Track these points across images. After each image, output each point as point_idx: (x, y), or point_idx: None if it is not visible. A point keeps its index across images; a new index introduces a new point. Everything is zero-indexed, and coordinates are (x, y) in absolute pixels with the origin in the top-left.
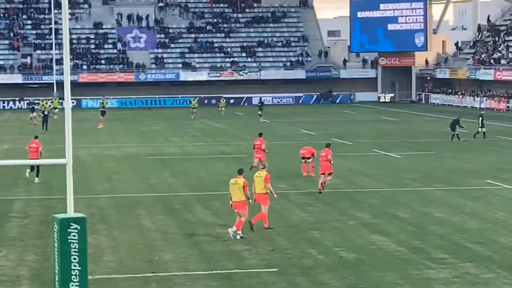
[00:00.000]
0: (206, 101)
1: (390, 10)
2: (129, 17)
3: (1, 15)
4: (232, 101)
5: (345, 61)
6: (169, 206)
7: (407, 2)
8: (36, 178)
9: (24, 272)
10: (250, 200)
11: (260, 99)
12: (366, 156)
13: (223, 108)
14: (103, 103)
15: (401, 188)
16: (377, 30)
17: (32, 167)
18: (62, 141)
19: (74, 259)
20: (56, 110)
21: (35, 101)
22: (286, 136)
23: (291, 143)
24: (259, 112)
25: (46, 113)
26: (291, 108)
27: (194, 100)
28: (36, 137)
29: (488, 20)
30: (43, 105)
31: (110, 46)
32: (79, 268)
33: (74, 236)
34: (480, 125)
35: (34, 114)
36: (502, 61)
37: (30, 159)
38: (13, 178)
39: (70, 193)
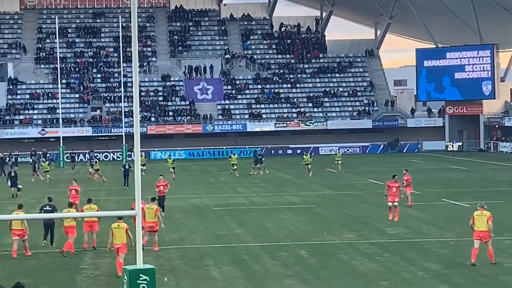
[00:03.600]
0: (272, 151)
1: (456, 58)
2: (196, 69)
3: (72, 69)
4: (298, 151)
5: (412, 110)
6: (236, 257)
7: (474, 50)
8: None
9: None
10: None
11: (256, 151)
12: (434, 205)
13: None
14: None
15: (470, 237)
16: (444, 78)
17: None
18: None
19: None
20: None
21: (96, 155)
22: (353, 186)
23: (358, 193)
24: (257, 165)
25: (127, 167)
26: (358, 158)
27: (306, 155)
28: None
29: None
30: (172, 162)
31: (178, 98)
32: None
33: (143, 287)
34: None
35: (92, 170)
36: None
37: (159, 196)
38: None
39: (139, 244)
